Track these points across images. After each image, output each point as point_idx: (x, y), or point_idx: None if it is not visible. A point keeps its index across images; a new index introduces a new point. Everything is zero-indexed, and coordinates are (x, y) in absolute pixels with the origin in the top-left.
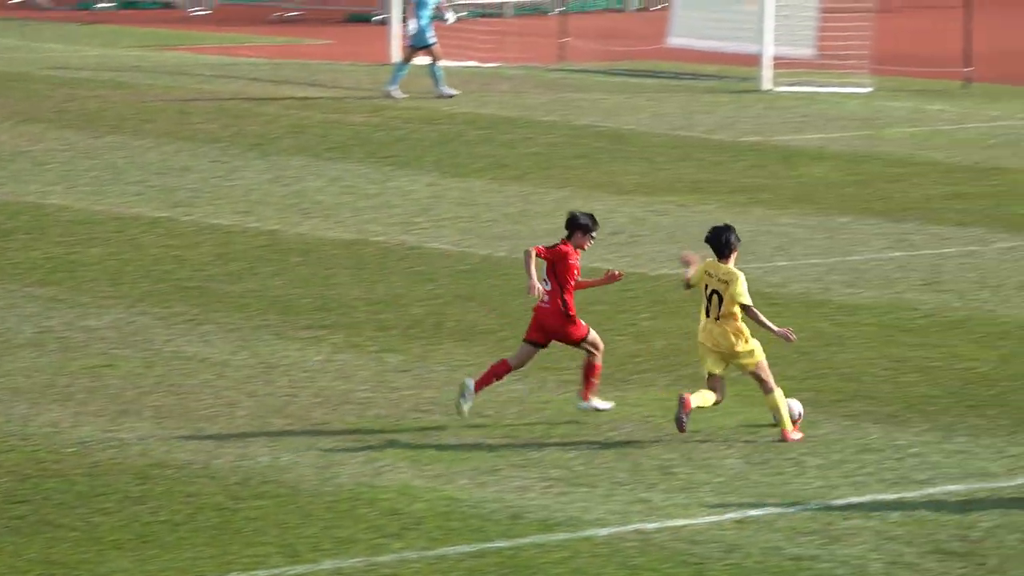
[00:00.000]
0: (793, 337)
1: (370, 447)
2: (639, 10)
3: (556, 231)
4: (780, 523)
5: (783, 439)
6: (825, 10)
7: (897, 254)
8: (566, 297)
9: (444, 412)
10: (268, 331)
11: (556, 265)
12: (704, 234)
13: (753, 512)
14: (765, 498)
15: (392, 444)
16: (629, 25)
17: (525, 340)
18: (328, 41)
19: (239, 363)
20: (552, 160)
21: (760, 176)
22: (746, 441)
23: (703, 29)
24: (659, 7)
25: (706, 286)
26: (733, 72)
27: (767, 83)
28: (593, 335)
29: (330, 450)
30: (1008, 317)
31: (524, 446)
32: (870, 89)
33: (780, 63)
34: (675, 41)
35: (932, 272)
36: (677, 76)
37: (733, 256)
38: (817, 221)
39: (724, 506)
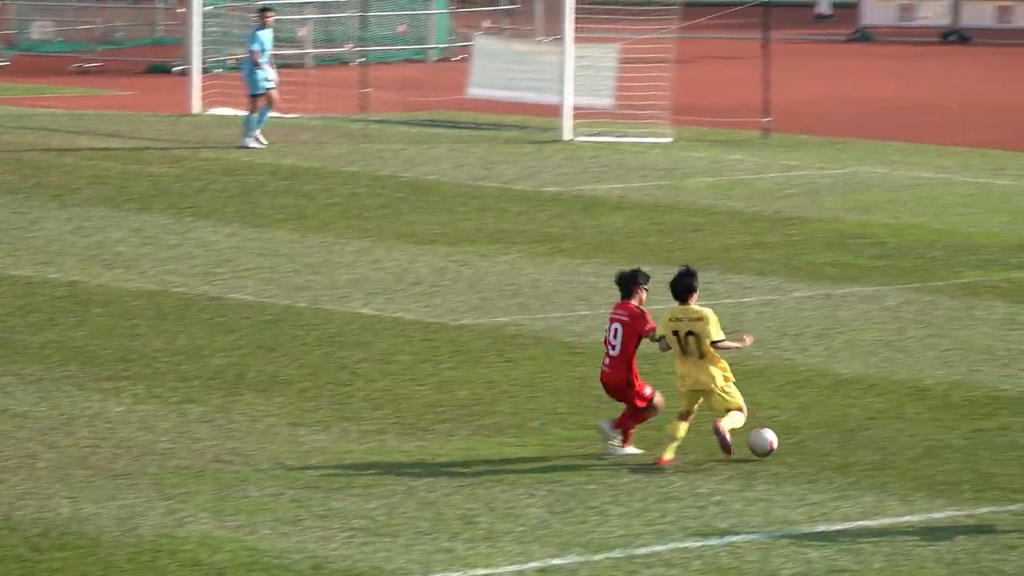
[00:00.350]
0: (750, 340)
1: (172, 498)
2: (440, 61)
3: (358, 281)
4: (583, 572)
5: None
6: (624, 61)
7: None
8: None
9: (246, 462)
10: (69, 382)
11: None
12: (503, 282)
13: (556, 561)
14: (568, 547)
15: (194, 494)
16: (430, 76)
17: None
18: (128, 92)
19: (40, 414)
20: (353, 210)
21: (562, 226)
22: (549, 490)
23: (503, 80)
24: (459, 58)
25: (676, 332)
26: (534, 123)
27: (568, 133)
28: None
29: (132, 501)
30: (807, 366)
31: (327, 496)
32: (670, 139)
33: (580, 113)
34: (476, 92)
35: (733, 321)
36: (478, 126)
37: (694, 297)
38: (618, 270)
39: (526, 555)
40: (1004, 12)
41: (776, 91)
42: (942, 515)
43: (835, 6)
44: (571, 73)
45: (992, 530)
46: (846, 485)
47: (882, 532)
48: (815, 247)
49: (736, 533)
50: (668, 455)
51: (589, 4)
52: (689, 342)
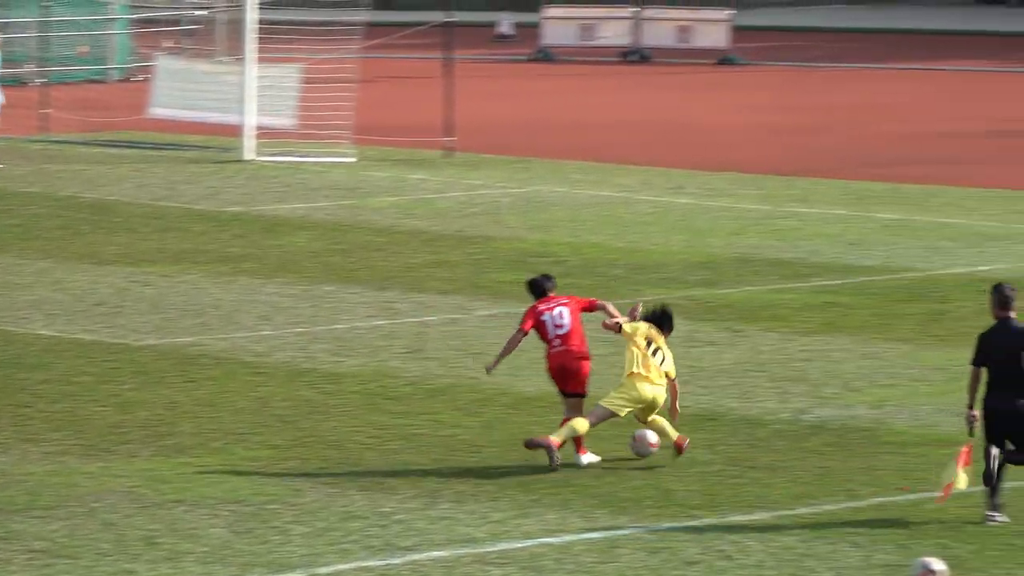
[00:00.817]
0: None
1: None
2: (121, 81)
3: (38, 302)
4: None
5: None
6: (307, 81)
7: (381, 322)
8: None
9: None
10: None
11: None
12: (185, 302)
13: None
14: (250, 567)
15: None
16: (111, 96)
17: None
18: None
19: None
20: (33, 231)
21: (244, 246)
22: (231, 510)
23: (185, 100)
24: (141, 78)
25: (650, 341)
26: (216, 143)
27: (250, 153)
28: None
29: None
30: (490, 384)
31: (6, 518)
32: (353, 159)
33: (263, 133)
34: (157, 112)
35: (416, 340)
36: (159, 147)
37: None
38: (301, 290)
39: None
40: (683, 32)
41: (458, 110)
42: (624, 532)
43: (516, 26)
44: (253, 93)
45: (673, 546)
46: (528, 502)
47: (564, 549)
48: (498, 265)
49: (419, 551)
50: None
51: (271, 24)
52: (657, 356)
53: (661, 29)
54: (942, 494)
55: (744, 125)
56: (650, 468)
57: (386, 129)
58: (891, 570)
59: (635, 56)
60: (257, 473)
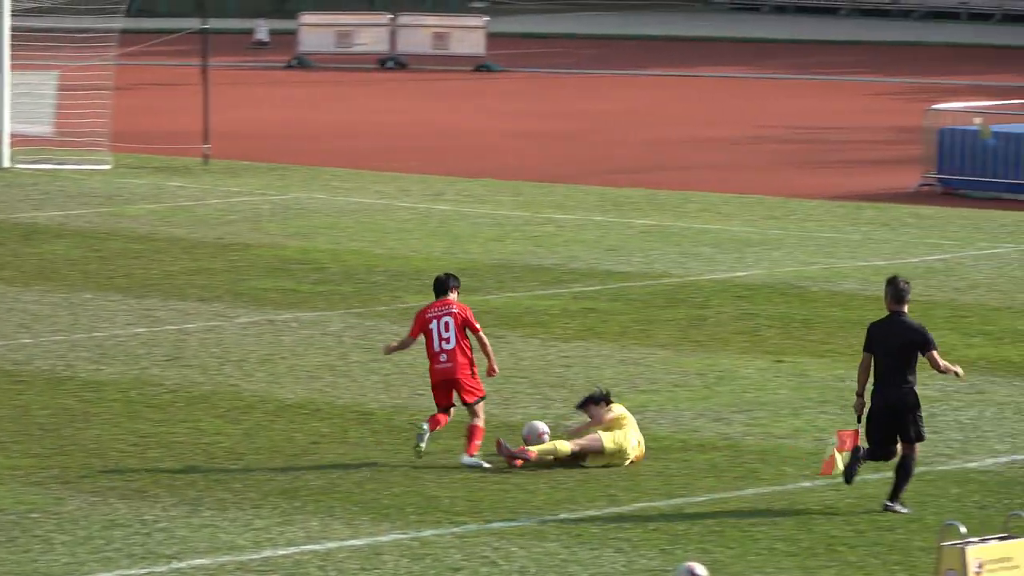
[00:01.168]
0: None
1: None
2: None
3: None
4: None
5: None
6: (63, 87)
7: (141, 330)
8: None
9: None
10: None
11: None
12: None
13: None
14: None
15: None
16: None
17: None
18: None
19: None
20: None
21: (1, 254)
22: None
23: None
24: None
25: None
26: None
27: (6, 161)
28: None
29: None
30: (251, 391)
31: None
32: (110, 166)
33: (19, 141)
34: None
35: (176, 347)
36: None
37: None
38: (60, 298)
39: None
40: (440, 39)
41: (216, 118)
42: (387, 538)
43: (272, 33)
44: (8, 100)
45: (436, 552)
46: (292, 510)
47: (328, 556)
48: (258, 273)
49: (182, 559)
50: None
51: (26, 31)
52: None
53: (417, 36)
54: (825, 464)
55: (502, 131)
56: (413, 475)
57: (144, 136)
58: (654, 575)
59: (391, 63)
60: (18, 482)
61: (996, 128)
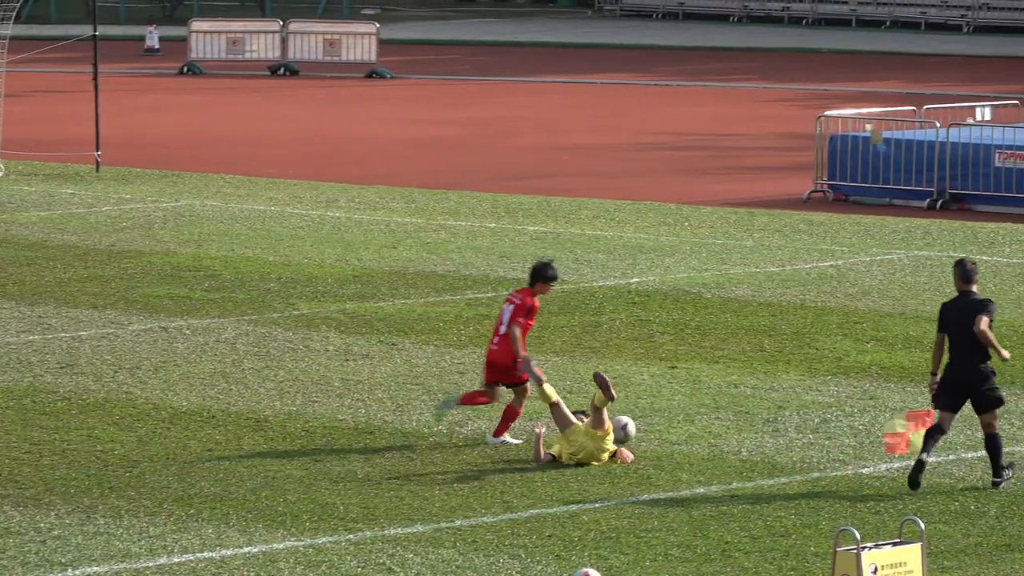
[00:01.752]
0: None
1: None
2: None
3: None
4: None
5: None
6: None
7: (34, 337)
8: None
9: None
10: None
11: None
12: None
13: None
14: None
15: None
16: None
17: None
18: None
19: None
20: None
21: None
22: None
23: None
24: None
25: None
26: None
27: None
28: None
29: None
30: (145, 399)
31: None
32: (1, 173)
33: None
34: None
35: (69, 355)
36: None
37: None
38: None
39: None
40: (331, 46)
41: (108, 125)
42: (282, 546)
43: (163, 40)
44: None
45: (332, 560)
46: (186, 517)
47: (223, 563)
48: (151, 280)
49: (76, 567)
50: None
51: None
52: None
53: (308, 43)
54: (892, 442)
55: (394, 138)
56: (308, 482)
57: (36, 143)
58: None
59: (283, 70)
60: None
61: (887, 135)
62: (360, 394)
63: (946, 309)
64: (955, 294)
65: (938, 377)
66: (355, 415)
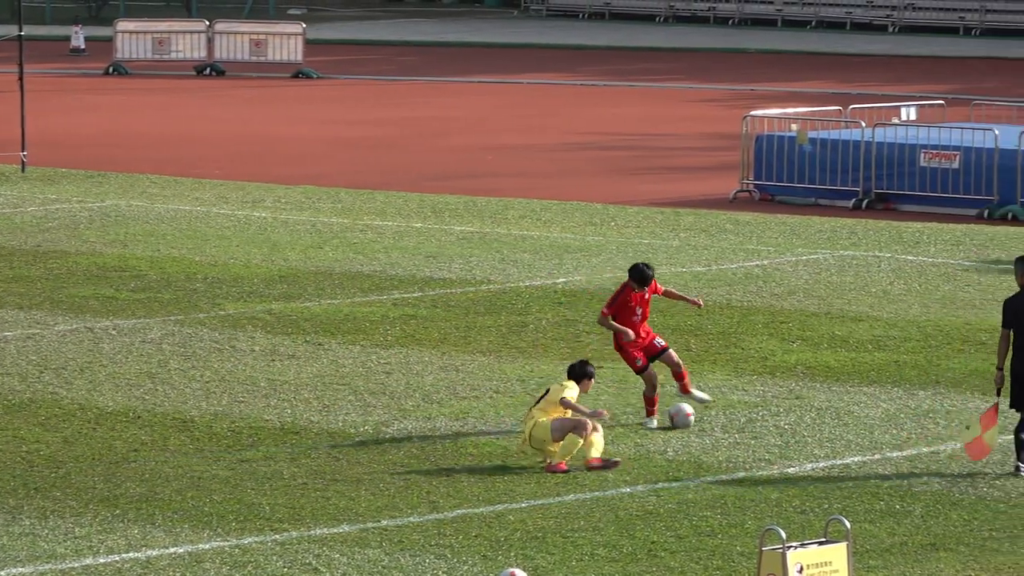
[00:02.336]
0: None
1: None
2: None
3: None
4: None
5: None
6: None
7: None
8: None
9: None
10: None
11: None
12: None
13: None
14: None
15: None
16: None
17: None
18: None
19: None
20: None
21: None
22: None
23: None
24: None
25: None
26: None
27: None
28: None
29: None
30: (71, 399)
31: None
32: None
33: None
34: None
35: None
36: None
37: None
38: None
39: None
40: (258, 46)
41: (33, 125)
42: (208, 546)
43: (89, 40)
44: None
45: (258, 560)
46: (112, 518)
47: (148, 564)
48: (77, 280)
49: (2, 568)
50: None
51: None
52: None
53: (235, 43)
54: (972, 449)
55: (320, 138)
56: (234, 482)
57: None
58: None
59: (209, 70)
60: None
61: (813, 134)
62: (286, 394)
63: (1009, 305)
64: (1016, 290)
65: (1003, 372)
66: (281, 415)
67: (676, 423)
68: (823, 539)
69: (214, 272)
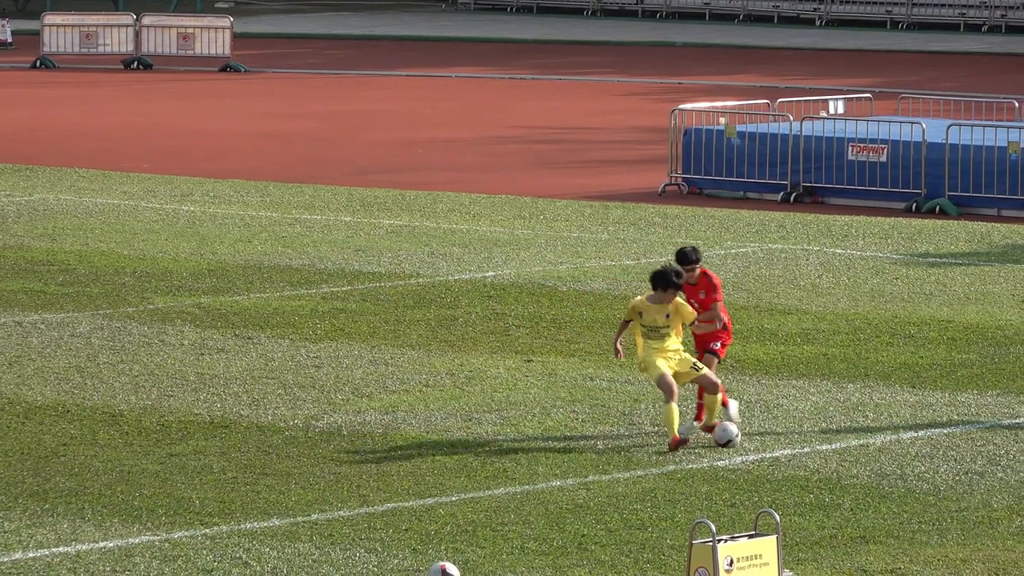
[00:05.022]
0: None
1: None
2: None
3: None
4: None
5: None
6: None
7: None
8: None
9: None
10: None
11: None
12: None
13: None
14: None
15: None
16: None
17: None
18: None
19: None
20: None
21: None
22: None
23: None
24: None
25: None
26: None
27: None
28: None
29: None
30: None
31: None
32: None
33: None
34: None
35: None
36: None
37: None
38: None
39: None
40: (185, 40)
41: None
42: (138, 540)
43: (15, 33)
44: None
45: (188, 554)
46: (41, 512)
47: (78, 558)
48: (5, 274)
49: None
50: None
51: None
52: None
53: (163, 37)
54: None
55: (249, 132)
56: (164, 476)
57: None
58: (406, 575)
59: (137, 64)
60: None
61: (741, 128)
62: (216, 388)
63: None
64: None
65: None
66: (211, 409)
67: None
68: (753, 532)
69: (143, 266)
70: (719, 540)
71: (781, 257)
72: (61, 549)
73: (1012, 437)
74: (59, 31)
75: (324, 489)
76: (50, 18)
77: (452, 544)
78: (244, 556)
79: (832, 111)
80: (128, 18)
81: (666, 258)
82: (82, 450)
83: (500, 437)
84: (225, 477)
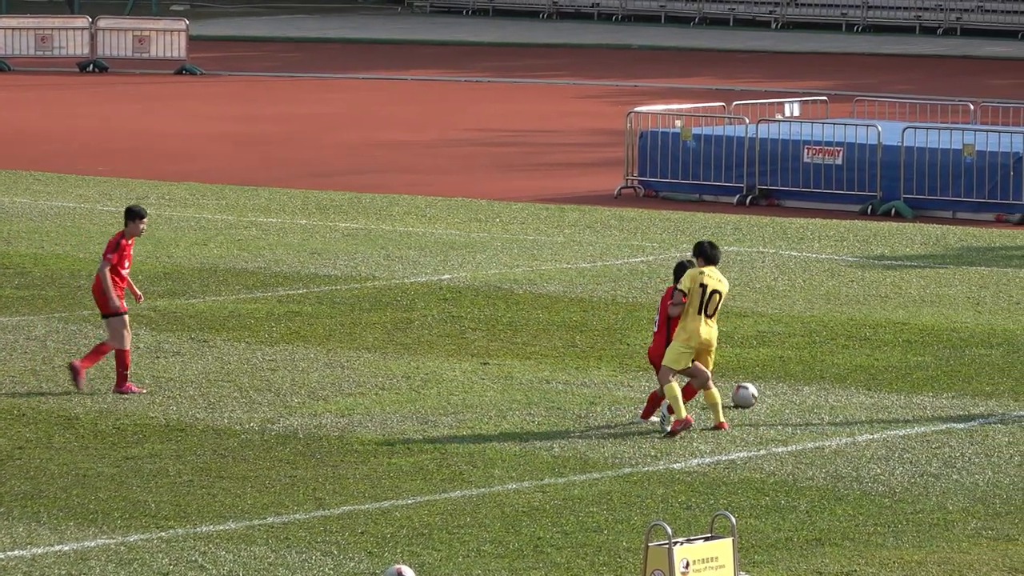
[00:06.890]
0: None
1: None
2: None
3: None
4: None
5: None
6: None
7: None
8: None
9: None
10: None
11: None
12: None
13: None
14: None
15: None
16: None
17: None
18: None
19: None
20: None
21: None
22: None
23: None
24: None
25: (704, 286)
26: None
27: None
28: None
29: None
30: None
31: None
32: None
33: None
34: None
35: None
36: None
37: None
38: None
39: None
40: (141, 42)
41: None
42: (93, 543)
43: None
44: None
45: (143, 557)
46: None
47: (34, 562)
48: None
49: None
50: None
51: None
52: (713, 299)
53: (118, 40)
54: None
55: (205, 135)
56: (119, 479)
57: None
58: None
59: (93, 67)
60: None
61: (697, 131)
62: (171, 391)
63: None
64: None
65: None
66: (166, 412)
67: (738, 402)
68: (709, 535)
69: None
70: (675, 543)
71: (737, 260)
72: (16, 553)
73: (967, 439)
74: (14, 34)
75: (280, 492)
76: (5, 21)
77: (408, 547)
78: (200, 559)
79: (788, 114)
80: (84, 21)
81: (623, 260)
82: (37, 453)
83: (456, 440)
84: (181, 480)
